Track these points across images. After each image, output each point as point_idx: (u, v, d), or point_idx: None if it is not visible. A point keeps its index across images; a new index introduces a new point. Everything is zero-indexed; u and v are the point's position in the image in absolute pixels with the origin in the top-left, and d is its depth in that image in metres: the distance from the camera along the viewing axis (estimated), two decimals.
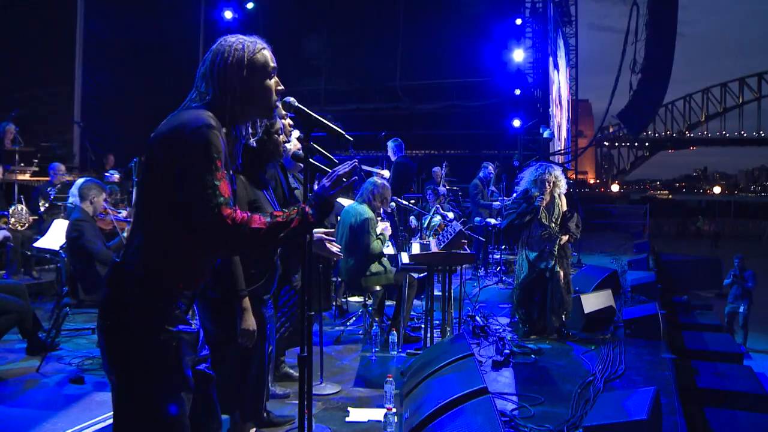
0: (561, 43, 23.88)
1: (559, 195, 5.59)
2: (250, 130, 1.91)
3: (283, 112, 3.11)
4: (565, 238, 5.52)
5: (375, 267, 5.14)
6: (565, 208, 5.58)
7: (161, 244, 1.72)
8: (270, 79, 1.88)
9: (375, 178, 5.29)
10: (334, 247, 2.97)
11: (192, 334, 1.80)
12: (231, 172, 1.84)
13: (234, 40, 1.84)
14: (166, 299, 1.73)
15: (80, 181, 4.68)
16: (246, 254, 2.58)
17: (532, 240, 5.54)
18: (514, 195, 6.05)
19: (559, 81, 22.51)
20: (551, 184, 5.49)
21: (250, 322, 2.64)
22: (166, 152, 1.70)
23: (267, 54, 1.87)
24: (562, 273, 5.50)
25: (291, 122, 3.28)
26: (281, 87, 1.91)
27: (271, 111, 1.90)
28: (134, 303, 1.69)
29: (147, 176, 1.75)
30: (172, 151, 1.69)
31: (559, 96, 22.60)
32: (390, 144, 8.08)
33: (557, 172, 5.58)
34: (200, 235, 1.67)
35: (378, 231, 5.14)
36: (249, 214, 1.69)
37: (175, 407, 1.71)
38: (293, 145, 3.67)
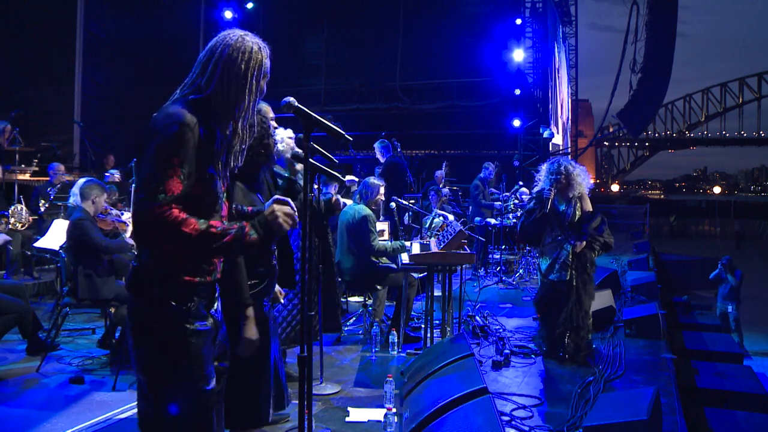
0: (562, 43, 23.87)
1: (578, 197, 4.78)
2: (245, 132, 1.90)
3: (271, 114, 3.11)
4: (581, 245, 4.68)
5: (383, 263, 5.18)
6: (589, 209, 4.80)
7: (139, 237, 1.76)
8: (264, 83, 1.91)
9: (370, 179, 5.36)
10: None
11: (210, 331, 1.84)
12: (219, 174, 1.85)
13: (249, 39, 1.85)
14: (183, 295, 1.76)
15: (81, 181, 4.68)
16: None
17: (545, 248, 4.85)
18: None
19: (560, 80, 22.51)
20: (563, 177, 4.72)
21: (253, 331, 2.62)
22: (143, 145, 1.74)
23: (267, 61, 1.90)
24: (580, 288, 4.70)
25: (275, 125, 3.26)
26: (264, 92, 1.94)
27: (253, 112, 1.93)
28: (155, 304, 1.74)
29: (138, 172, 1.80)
30: (146, 143, 1.73)
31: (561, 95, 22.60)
32: (377, 145, 8.07)
33: (572, 168, 4.79)
34: (133, 221, 1.70)
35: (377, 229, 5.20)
36: (185, 216, 1.67)
37: (196, 404, 1.76)
38: (287, 145, 3.67)
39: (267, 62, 1.88)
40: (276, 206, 1.81)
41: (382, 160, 8.00)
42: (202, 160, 1.76)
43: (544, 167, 4.95)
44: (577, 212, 4.78)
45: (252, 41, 1.85)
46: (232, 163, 1.90)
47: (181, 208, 1.68)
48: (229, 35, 1.84)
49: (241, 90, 1.82)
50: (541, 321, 5.02)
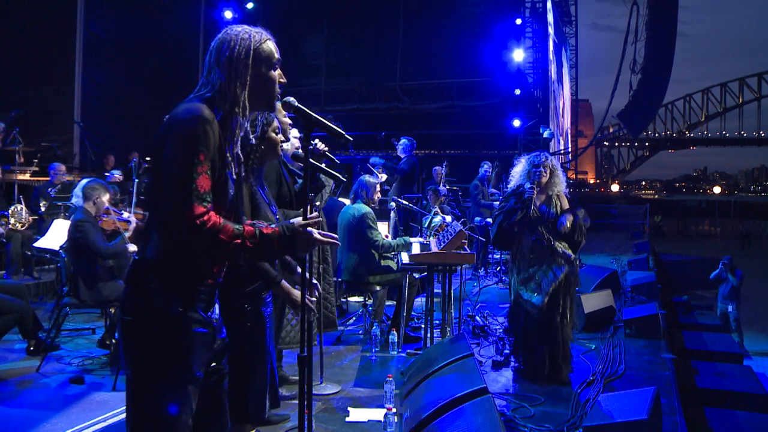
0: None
1: (556, 195, 4.39)
2: (249, 127, 1.89)
3: (283, 111, 3.11)
4: (569, 218, 4.23)
5: (385, 262, 5.18)
6: (567, 207, 4.41)
7: (169, 236, 1.73)
8: (274, 70, 1.88)
9: (365, 177, 5.35)
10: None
11: (207, 334, 1.81)
12: (231, 170, 1.83)
13: (240, 29, 1.85)
14: (183, 294, 1.74)
15: (84, 181, 4.68)
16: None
17: (522, 255, 4.32)
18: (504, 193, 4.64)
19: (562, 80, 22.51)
20: (548, 170, 4.32)
21: (297, 294, 2.68)
22: (161, 142, 1.72)
23: (272, 45, 1.88)
24: (561, 314, 4.21)
25: (290, 121, 3.27)
26: (284, 80, 1.91)
27: (273, 103, 1.91)
28: (153, 300, 1.71)
29: (154, 170, 1.77)
30: (164, 140, 1.71)
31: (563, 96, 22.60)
32: (403, 141, 8.17)
33: (555, 161, 4.45)
34: (166, 227, 1.69)
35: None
36: (222, 221, 1.68)
37: (176, 407, 1.73)
38: (292, 145, 3.67)
39: (267, 48, 1.86)
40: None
41: (402, 156, 8.09)
42: (218, 158, 1.76)
43: (522, 160, 4.52)
44: (558, 210, 4.37)
45: (250, 32, 1.84)
46: (243, 158, 1.89)
47: (214, 211, 1.68)
48: (227, 31, 1.84)
49: (242, 82, 1.81)
50: (515, 336, 4.47)
